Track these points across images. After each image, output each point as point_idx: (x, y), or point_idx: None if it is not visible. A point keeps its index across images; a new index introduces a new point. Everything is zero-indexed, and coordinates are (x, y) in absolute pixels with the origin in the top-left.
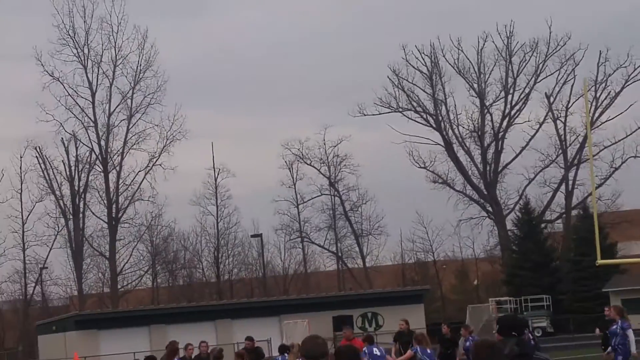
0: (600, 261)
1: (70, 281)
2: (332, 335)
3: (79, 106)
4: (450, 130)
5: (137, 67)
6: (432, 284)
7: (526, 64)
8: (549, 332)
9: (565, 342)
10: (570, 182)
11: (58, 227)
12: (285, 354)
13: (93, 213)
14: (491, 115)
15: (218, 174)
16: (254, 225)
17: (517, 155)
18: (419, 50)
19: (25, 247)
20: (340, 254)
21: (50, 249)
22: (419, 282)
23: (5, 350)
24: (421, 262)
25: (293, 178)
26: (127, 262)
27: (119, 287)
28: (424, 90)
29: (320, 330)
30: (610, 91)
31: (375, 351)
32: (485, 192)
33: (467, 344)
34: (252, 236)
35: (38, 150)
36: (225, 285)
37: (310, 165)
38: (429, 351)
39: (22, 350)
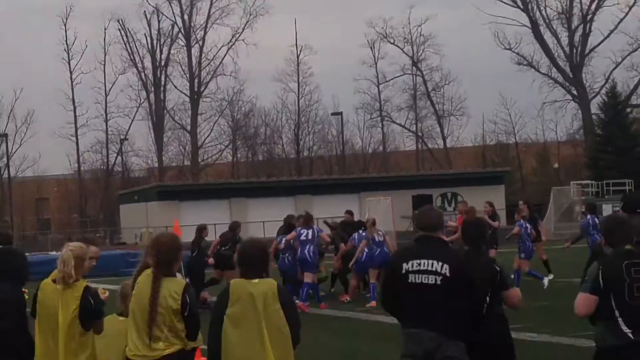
0: None
1: (150, 153)
2: (412, 213)
3: None
4: (537, 12)
5: None
6: (512, 166)
7: None
8: None
9: None
10: None
11: (140, 100)
12: (360, 231)
13: (175, 86)
14: None
15: (300, 51)
16: (334, 103)
17: (605, 39)
18: None
19: (108, 118)
20: (420, 134)
21: (132, 121)
22: (499, 164)
23: (87, 218)
24: (502, 144)
25: (375, 57)
26: (207, 136)
27: (199, 160)
28: None
29: (400, 209)
30: None
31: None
32: (571, 75)
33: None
34: (332, 114)
35: (121, 22)
36: (304, 162)
37: (394, 45)
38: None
39: (103, 219)
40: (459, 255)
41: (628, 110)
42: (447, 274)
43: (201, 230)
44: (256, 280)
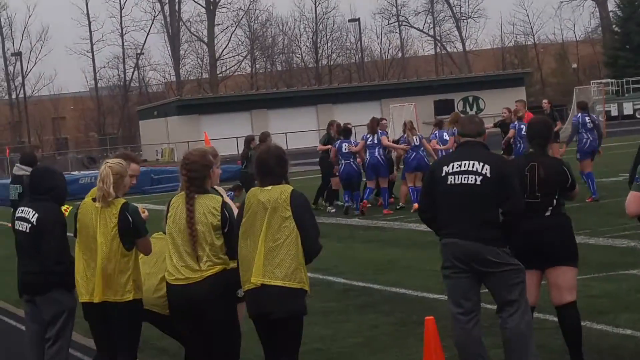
0: None
1: (168, 67)
2: (434, 119)
3: None
4: None
5: None
6: (532, 67)
7: None
8: None
9: None
10: None
11: (155, 12)
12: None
13: None
14: None
15: None
16: (351, 10)
17: None
18: None
19: (124, 32)
20: (439, 38)
21: (148, 34)
22: (518, 66)
23: (106, 135)
24: (521, 45)
25: None
26: (225, 48)
27: (217, 72)
28: None
29: (422, 114)
30: None
31: (445, 136)
32: None
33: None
34: (350, 21)
35: None
36: (324, 71)
37: None
38: None
39: (122, 136)
40: (500, 158)
41: None
42: (488, 174)
43: (249, 141)
44: (269, 187)
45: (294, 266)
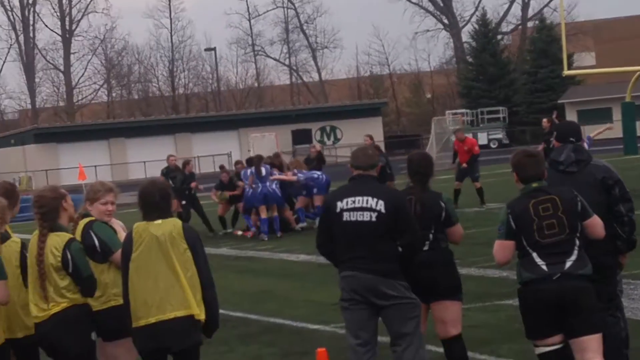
0: (566, 72)
1: (23, 94)
2: (292, 148)
3: None
4: None
5: None
6: (387, 97)
7: None
8: (505, 144)
9: None
10: None
11: (10, 40)
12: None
13: (45, 25)
14: None
15: None
16: (207, 39)
17: None
18: None
19: None
20: (294, 68)
21: (4, 62)
22: (374, 96)
23: None
24: (376, 75)
25: None
26: (82, 76)
27: (74, 100)
28: None
29: (281, 144)
30: None
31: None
32: (442, 4)
33: None
34: (206, 50)
35: None
36: (180, 100)
37: None
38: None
39: None
40: (394, 191)
41: (499, 37)
42: (383, 210)
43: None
44: (159, 222)
45: (198, 297)
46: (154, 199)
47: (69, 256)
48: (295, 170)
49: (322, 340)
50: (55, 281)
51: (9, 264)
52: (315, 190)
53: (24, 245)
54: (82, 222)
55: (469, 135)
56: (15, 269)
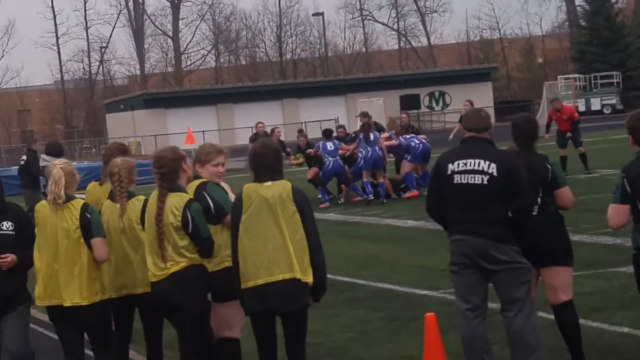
0: None
1: (133, 60)
2: (399, 114)
3: None
4: None
5: None
6: (497, 62)
7: None
8: (619, 109)
9: None
10: None
11: (120, 6)
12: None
13: None
14: None
15: None
16: (314, 4)
17: None
18: None
19: (88, 25)
20: (403, 32)
21: (113, 28)
22: (484, 61)
23: (72, 128)
24: (486, 40)
25: None
26: (190, 42)
27: (182, 66)
28: None
29: (388, 110)
30: None
31: (330, 146)
32: None
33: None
34: (314, 15)
35: None
36: (287, 65)
37: None
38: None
39: (88, 129)
40: (507, 154)
41: (612, 1)
42: (495, 173)
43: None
44: (269, 183)
45: (306, 260)
46: (267, 160)
47: (189, 216)
48: (392, 133)
49: (431, 305)
50: (175, 241)
51: (130, 222)
52: (408, 157)
53: (145, 203)
54: (194, 184)
55: (581, 102)
56: (136, 225)
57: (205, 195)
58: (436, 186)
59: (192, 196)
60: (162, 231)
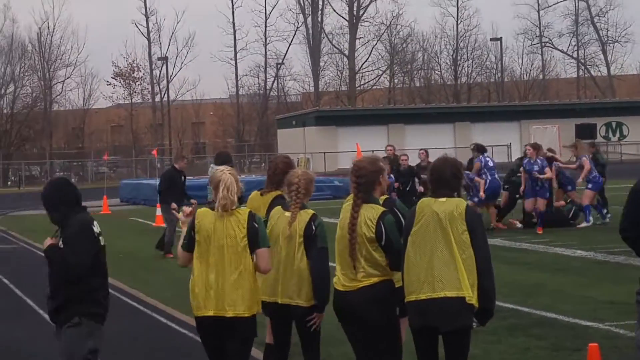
0: None
1: (307, 77)
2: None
3: None
4: None
5: None
6: None
7: None
8: None
9: None
10: None
11: (298, 23)
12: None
13: (334, 9)
14: None
15: None
16: (493, 29)
17: None
18: None
19: (267, 41)
20: (582, 61)
21: (290, 45)
22: None
23: (244, 142)
24: None
25: None
26: (365, 61)
27: (356, 85)
28: None
29: (563, 138)
30: None
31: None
32: None
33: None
34: (492, 39)
35: None
36: (462, 88)
37: None
38: None
39: (259, 143)
40: None
41: None
42: None
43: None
44: (443, 199)
45: (472, 280)
46: (445, 175)
47: (383, 228)
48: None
49: (595, 337)
50: (367, 252)
51: (295, 233)
52: (569, 187)
53: (313, 217)
54: (382, 198)
55: None
56: (298, 237)
57: (396, 210)
58: (633, 208)
59: (385, 208)
60: (354, 241)
